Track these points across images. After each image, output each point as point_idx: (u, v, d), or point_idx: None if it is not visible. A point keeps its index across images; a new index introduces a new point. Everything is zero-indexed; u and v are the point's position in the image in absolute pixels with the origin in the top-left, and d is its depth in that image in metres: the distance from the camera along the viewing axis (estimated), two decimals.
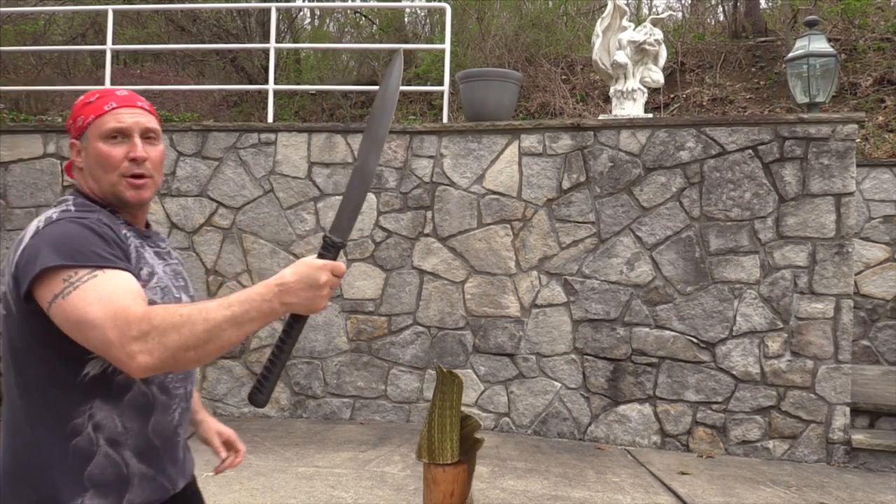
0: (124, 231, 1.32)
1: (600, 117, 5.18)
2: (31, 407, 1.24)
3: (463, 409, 2.84)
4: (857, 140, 5.02)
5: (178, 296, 1.36)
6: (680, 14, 12.41)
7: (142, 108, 1.36)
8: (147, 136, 1.35)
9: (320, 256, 1.21)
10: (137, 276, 1.25)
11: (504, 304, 4.97)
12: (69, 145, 1.39)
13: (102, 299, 1.14)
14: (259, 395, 1.28)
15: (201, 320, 1.13)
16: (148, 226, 1.46)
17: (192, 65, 11.82)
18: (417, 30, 12.64)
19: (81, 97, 1.39)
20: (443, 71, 5.86)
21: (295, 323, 1.24)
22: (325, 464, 4.03)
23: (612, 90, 5.30)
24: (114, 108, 1.33)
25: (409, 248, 5.11)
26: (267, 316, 1.18)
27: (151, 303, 1.24)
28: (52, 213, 1.29)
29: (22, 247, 1.24)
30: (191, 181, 5.33)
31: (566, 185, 4.94)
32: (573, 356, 4.88)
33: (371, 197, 5.17)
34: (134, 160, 1.32)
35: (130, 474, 1.28)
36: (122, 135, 1.32)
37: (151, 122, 1.36)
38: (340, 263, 1.21)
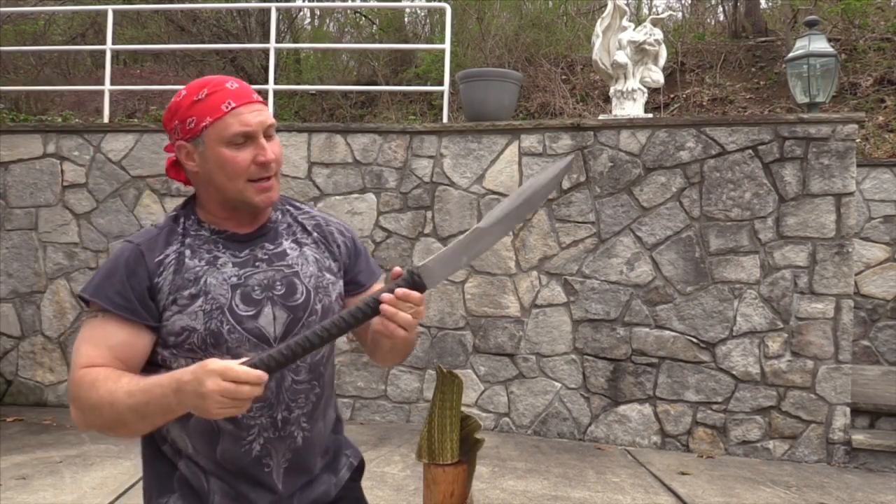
0: (169, 254, 1.25)
1: (600, 117, 5.17)
2: None
3: (463, 409, 2.84)
4: (858, 140, 5.02)
5: (248, 313, 1.24)
6: (680, 14, 12.41)
7: (258, 101, 1.26)
8: (268, 133, 1.26)
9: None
10: (166, 306, 1.22)
11: (504, 304, 4.97)
12: (175, 147, 1.27)
13: (83, 343, 1.22)
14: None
15: (108, 406, 1.13)
16: (267, 223, 1.34)
17: (192, 65, 11.81)
18: (417, 30, 12.64)
19: (183, 93, 1.26)
20: (443, 71, 5.86)
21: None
22: None
23: (612, 90, 5.30)
24: (233, 108, 1.22)
25: (409, 248, 5.11)
26: (169, 411, 1.11)
27: (186, 329, 1.22)
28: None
29: None
30: None
31: (566, 185, 4.94)
32: (573, 356, 4.88)
33: (371, 197, 5.17)
34: (263, 164, 1.24)
35: (210, 490, 1.28)
36: (246, 137, 1.23)
37: (270, 117, 1.27)
38: (235, 367, 1.05)
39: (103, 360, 1.19)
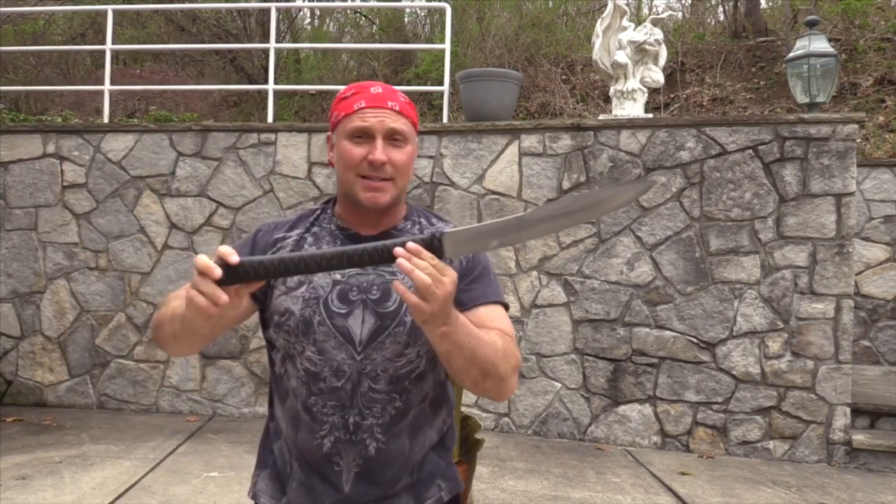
0: (292, 235, 1.36)
1: (600, 117, 5.17)
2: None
3: (463, 409, 2.84)
4: (858, 140, 5.02)
5: (340, 311, 1.27)
6: (680, 14, 12.42)
7: (391, 109, 1.30)
8: (393, 137, 1.29)
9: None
10: (276, 284, 1.32)
11: None
12: (326, 138, 1.41)
13: None
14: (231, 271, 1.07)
15: (167, 303, 1.26)
16: (391, 229, 1.36)
17: (192, 65, 11.82)
18: (417, 30, 12.64)
19: (342, 90, 1.37)
20: (443, 71, 5.85)
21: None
22: None
23: (612, 90, 5.30)
24: (361, 108, 1.29)
25: None
26: (182, 315, 1.15)
27: (287, 311, 1.28)
28: None
29: None
30: (191, 181, 5.33)
31: (566, 185, 4.94)
32: (573, 356, 4.88)
33: None
34: (372, 163, 1.27)
35: (292, 475, 1.33)
36: (365, 135, 1.28)
37: (398, 124, 1.29)
38: (203, 260, 1.05)
39: None
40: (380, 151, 1.26)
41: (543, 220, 1.11)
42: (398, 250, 1.06)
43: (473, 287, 1.32)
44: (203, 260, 1.04)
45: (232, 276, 1.05)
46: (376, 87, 1.32)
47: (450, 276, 1.07)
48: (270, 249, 1.34)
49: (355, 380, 1.26)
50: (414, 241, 1.07)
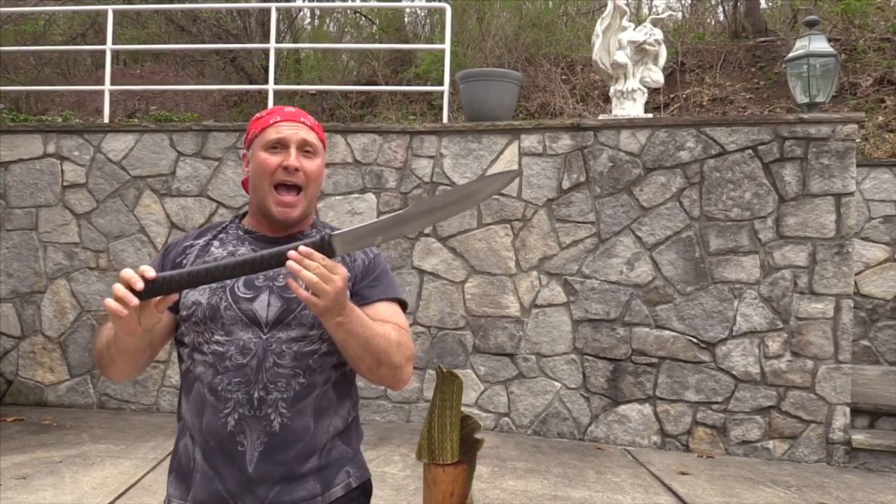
0: (199, 242, 1.47)
1: (600, 117, 5.17)
2: None
3: (463, 409, 2.84)
4: (857, 140, 5.02)
5: (246, 296, 1.37)
6: (680, 14, 12.41)
7: (304, 123, 1.45)
8: (304, 148, 1.43)
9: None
10: None
11: (504, 304, 4.97)
12: (241, 156, 1.54)
13: None
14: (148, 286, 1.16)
15: (98, 335, 1.33)
16: (298, 234, 1.47)
17: (192, 65, 11.82)
18: (417, 30, 12.64)
19: (258, 113, 1.50)
20: (443, 71, 5.86)
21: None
22: None
23: (612, 90, 5.30)
24: (277, 122, 1.43)
25: (409, 248, 5.11)
26: (113, 337, 1.26)
27: (195, 303, 1.37)
28: None
29: None
30: (191, 181, 5.33)
31: (566, 185, 4.94)
32: (573, 356, 4.88)
33: (371, 197, 5.17)
34: (286, 169, 1.40)
35: (195, 469, 1.36)
36: (280, 145, 1.41)
37: (310, 137, 1.44)
38: (127, 272, 1.14)
39: None
40: (293, 158, 1.40)
41: (421, 214, 1.24)
42: (290, 253, 1.17)
43: (375, 284, 1.46)
44: (127, 272, 1.14)
45: (148, 291, 1.15)
46: (289, 108, 1.48)
47: (340, 274, 1.19)
48: (180, 255, 1.45)
49: (261, 356, 1.34)
50: (306, 244, 1.18)
